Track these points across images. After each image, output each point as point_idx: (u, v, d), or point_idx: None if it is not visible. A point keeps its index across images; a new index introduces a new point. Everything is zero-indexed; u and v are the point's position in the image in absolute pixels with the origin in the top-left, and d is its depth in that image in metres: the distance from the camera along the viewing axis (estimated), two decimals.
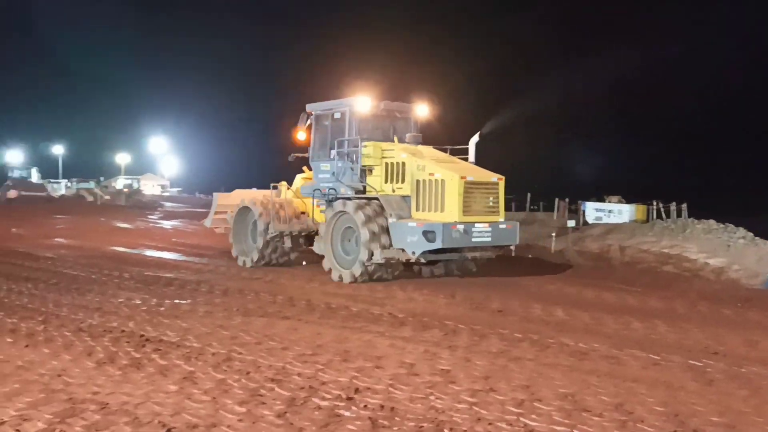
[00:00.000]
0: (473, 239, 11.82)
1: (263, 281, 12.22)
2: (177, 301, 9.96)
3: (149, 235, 23.77)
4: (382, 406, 5.25)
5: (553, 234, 23.59)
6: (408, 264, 12.59)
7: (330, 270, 12.67)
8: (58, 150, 67.59)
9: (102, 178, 60.99)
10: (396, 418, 5.00)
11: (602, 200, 35.79)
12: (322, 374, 6.14)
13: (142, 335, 7.59)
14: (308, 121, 14.05)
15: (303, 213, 14.26)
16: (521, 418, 5.06)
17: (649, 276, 14.24)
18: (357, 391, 5.65)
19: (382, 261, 11.89)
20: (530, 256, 20.28)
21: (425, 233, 11.51)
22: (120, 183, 56.05)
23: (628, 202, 35.04)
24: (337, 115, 13.56)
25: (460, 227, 11.57)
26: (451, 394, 5.63)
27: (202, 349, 7.02)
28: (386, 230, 12.01)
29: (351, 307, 9.68)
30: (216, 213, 15.80)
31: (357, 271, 12.03)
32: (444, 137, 14.09)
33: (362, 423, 4.89)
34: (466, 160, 13.27)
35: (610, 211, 32.99)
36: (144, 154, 70.38)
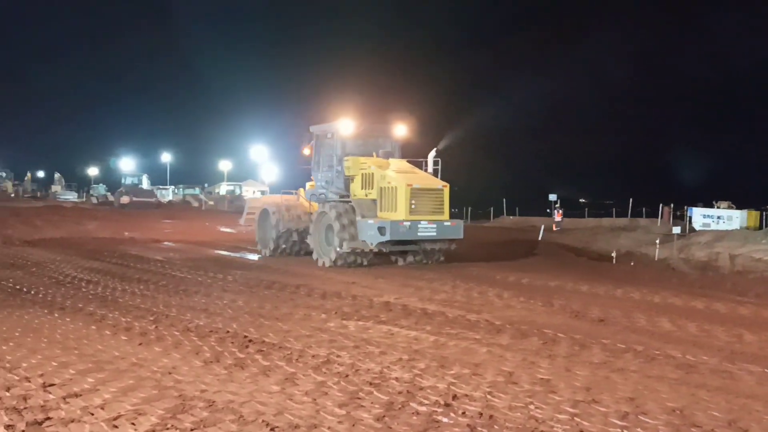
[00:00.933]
0: (419, 234, 14.94)
1: (360, 285, 12.38)
2: (277, 304, 10.25)
3: (251, 239, 24.55)
4: (480, 414, 5.21)
5: (657, 241, 22.69)
6: (384, 254, 15.58)
7: (317, 258, 15.99)
8: (166, 158, 71.07)
9: (206, 185, 63.63)
10: (495, 427, 4.94)
11: (710, 206, 34.10)
12: (419, 379, 6.15)
13: (246, 336, 7.85)
14: (312, 140, 17.55)
15: (307, 213, 17.31)
16: None
17: (764, 286, 13.42)
18: (455, 397, 5.63)
19: (349, 250, 15.01)
20: (632, 263, 19.60)
21: (379, 228, 14.67)
22: (223, 189, 58.21)
23: (738, 207, 33.19)
24: (329, 135, 16.83)
25: (406, 224, 14.66)
26: (552, 404, 5.51)
27: (302, 351, 7.19)
28: (353, 225, 15.14)
29: (447, 313, 9.66)
30: (248, 213, 19.50)
31: (333, 256, 15.24)
32: (426, 150, 17.08)
33: (460, 430, 4.87)
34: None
35: (719, 218, 31.35)
36: (245, 162, 72.87)
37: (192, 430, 4.78)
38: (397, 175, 15.27)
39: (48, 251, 17.94)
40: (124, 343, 7.47)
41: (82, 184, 71.85)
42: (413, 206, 14.88)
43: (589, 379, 6.30)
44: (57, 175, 69.55)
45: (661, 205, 33.21)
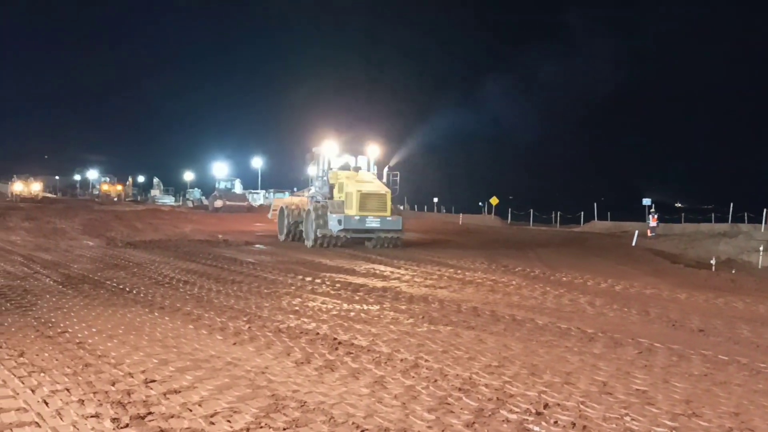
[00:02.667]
0: (367, 225, 21.12)
1: (448, 290, 12.34)
2: (366, 306, 10.35)
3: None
4: (573, 424, 5.08)
5: (761, 248, 21.50)
6: (357, 240, 21.84)
7: (306, 241, 22.54)
8: (257, 163, 73.18)
9: (295, 189, 65.05)
10: None
11: None
12: (509, 387, 6.06)
13: (335, 338, 7.97)
14: (313, 157, 24.10)
15: (306, 210, 23.23)
16: None
17: None
18: (546, 406, 5.51)
19: (320, 235, 21.40)
20: (733, 271, 18.66)
21: (338, 220, 21.10)
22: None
23: None
24: (318, 153, 23.58)
25: (356, 218, 20.91)
26: (649, 416, 5.30)
27: (390, 354, 7.22)
28: (324, 218, 21.53)
29: (536, 320, 9.48)
30: (273, 210, 27.74)
31: (312, 238, 21.79)
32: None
33: None
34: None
35: None
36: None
37: (285, 429, 4.89)
38: (354, 183, 21.50)
39: (148, 253, 18.80)
40: (219, 343, 7.72)
41: (178, 189, 74.91)
42: (363, 205, 20.99)
43: (688, 391, 6.03)
44: (156, 180, 72.81)
45: (765, 209, 31.42)
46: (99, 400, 5.47)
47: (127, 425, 4.92)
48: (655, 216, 30.82)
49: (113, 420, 5.01)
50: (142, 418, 5.08)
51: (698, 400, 5.77)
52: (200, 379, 6.15)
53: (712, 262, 20.24)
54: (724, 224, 34.10)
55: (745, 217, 36.36)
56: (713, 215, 39.37)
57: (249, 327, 8.60)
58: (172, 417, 5.10)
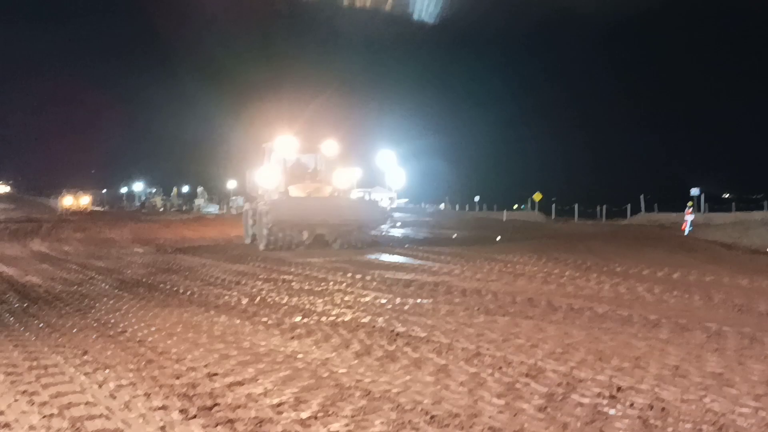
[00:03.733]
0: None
1: (500, 283, 12.15)
2: (419, 300, 10.24)
3: (384, 241, 24.87)
4: (651, 406, 4.89)
5: None
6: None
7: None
8: None
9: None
10: (669, 419, 4.62)
11: None
12: (577, 372, 5.89)
13: (393, 330, 7.88)
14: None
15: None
16: None
17: None
18: (619, 389, 5.33)
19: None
20: None
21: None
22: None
23: None
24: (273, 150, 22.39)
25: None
26: (729, 397, 5.09)
27: (450, 344, 7.10)
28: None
29: (595, 308, 9.23)
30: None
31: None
32: None
33: (631, 422, 4.59)
34: None
35: None
36: (373, 168, 74.06)
37: (353, 416, 4.81)
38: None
39: (197, 257, 19.00)
40: (276, 338, 7.71)
41: (222, 197, 75.81)
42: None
43: (767, 373, 5.77)
44: (200, 189, 73.81)
45: None
46: (165, 394, 5.48)
47: (195, 416, 4.91)
48: (690, 209, 29.11)
49: (181, 411, 5.01)
50: (209, 409, 5.06)
51: None
52: (262, 371, 6.12)
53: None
54: (760, 212, 33.02)
55: None
56: (766, 203, 38.20)
57: (306, 321, 8.58)
58: (238, 407, 5.08)
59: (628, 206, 42.13)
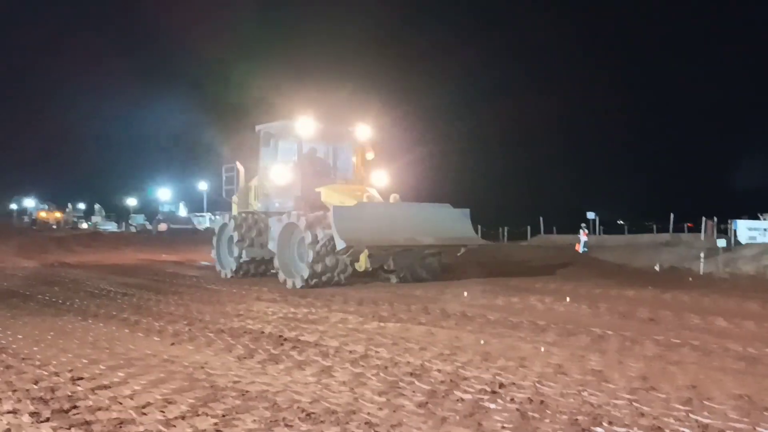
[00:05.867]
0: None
1: (397, 293, 12.07)
2: (313, 309, 9.99)
3: None
4: (530, 400, 4.85)
5: (702, 255, 21.94)
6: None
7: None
8: (202, 186, 71.87)
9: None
10: (547, 411, 4.58)
11: (756, 218, 32.99)
12: (462, 371, 5.81)
13: (281, 336, 7.61)
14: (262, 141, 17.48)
15: None
16: (691, 415, 4.49)
17: None
18: (501, 386, 5.28)
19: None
20: (690, 279, 18.92)
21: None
22: None
23: None
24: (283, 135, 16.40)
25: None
26: (607, 391, 5.12)
27: (338, 348, 6.90)
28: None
29: (488, 315, 9.28)
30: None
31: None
32: None
33: (510, 415, 4.52)
34: None
35: (765, 230, 30.28)
36: None
37: (224, 416, 4.51)
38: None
39: (85, 271, 18.03)
40: (156, 344, 7.27)
41: (121, 215, 72.91)
42: None
43: (644, 370, 5.88)
44: (97, 206, 70.70)
45: (704, 218, 32.29)
46: (18, 398, 4.99)
47: (48, 419, 4.47)
48: (585, 231, 30.51)
49: (32, 414, 4.55)
50: (66, 411, 4.63)
51: (654, 377, 5.62)
52: (133, 375, 5.71)
53: (656, 268, 20.52)
54: (666, 234, 34.87)
55: (685, 228, 37.28)
56: (655, 227, 40.29)
57: (189, 329, 8.16)
58: (99, 410, 4.66)
59: (528, 228, 43.43)
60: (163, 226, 48.64)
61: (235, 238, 15.52)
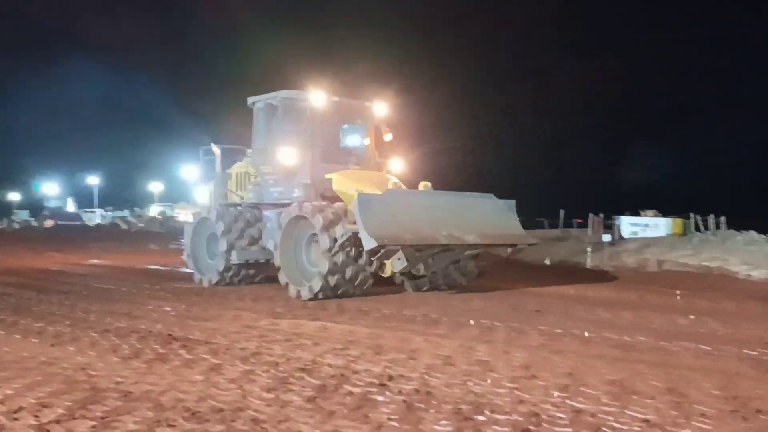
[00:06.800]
0: None
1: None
2: (206, 307, 9.77)
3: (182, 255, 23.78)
4: (417, 391, 4.95)
5: (588, 249, 23.06)
6: None
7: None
8: (93, 180, 68.75)
9: (137, 208, 61.76)
10: (432, 402, 4.69)
11: (637, 214, 35.03)
12: (354, 365, 5.86)
13: (170, 334, 7.39)
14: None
15: None
16: (567, 401, 4.72)
17: (693, 280, 13.72)
18: (390, 378, 5.36)
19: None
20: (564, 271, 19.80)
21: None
22: (153, 210, 56.61)
23: (664, 215, 34.23)
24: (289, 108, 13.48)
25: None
26: (491, 380, 5.31)
27: (229, 345, 6.79)
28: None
29: (382, 310, 9.40)
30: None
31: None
32: None
33: (396, 406, 4.59)
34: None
35: (646, 225, 32.21)
36: (177, 183, 71.16)
37: (103, 418, 4.34)
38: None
39: None
40: (34, 346, 6.89)
41: (2, 211, 68.63)
42: None
43: (527, 359, 6.13)
44: None
45: (590, 215, 33.90)
46: None
47: None
48: None
49: None
50: None
51: (536, 365, 5.87)
52: (6, 379, 5.38)
53: (547, 262, 21.38)
54: (557, 230, 36.34)
55: (574, 223, 39.01)
56: (546, 222, 41.91)
57: (71, 330, 7.78)
58: None
59: None
60: (49, 222, 46.19)
61: (221, 237, 12.52)
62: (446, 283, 11.87)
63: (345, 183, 11.58)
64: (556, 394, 4.92)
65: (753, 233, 20.48)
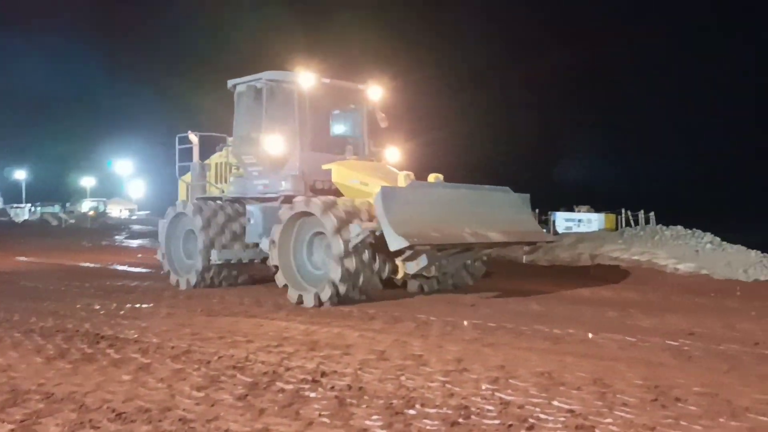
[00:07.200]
0: None
1: (235, 288, 11.84)
2: (138, 305, 9.56)
3: (115, 252, 23.23)
4: (349, 387, 4.96)
5: (525, 247, 23.48)
6: None
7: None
8: (20, 175, 66.24)
9: (68, 204, 59.77)
10: (365, 397, 4.70)
11: (572, 210, 35.97)
12: (287, 362, 5.82)
13: (98, 334, 7.19)
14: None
15: None
16: (496, 393, 4.80)
17: (622, 273, 14.17)
18: (324, 374, 5.35)
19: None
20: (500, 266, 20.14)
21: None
22: (85, 206, 54.93)
23: (596, 211, 35.24)
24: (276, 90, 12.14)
25: None
26: (423, 374, 5.35)
27: (160, 344, 6.65)
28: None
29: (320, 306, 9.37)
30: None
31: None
32: None
33: (328, 402, 4.59)
34: None
35: (579, 221, 33.12)
36: (110, 177, 69.24)
37: (23, 421, 4.20)
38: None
39: None
40: None
41: None
42: None
43: (460, 352, 6.21)
44: None
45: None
46: None
47: None
48: None
49: None
50: None
51: (469, 358, 5.95)
52: None
53: (484, 258, 21.69)
54: None
55: None
56: None
57: None
58: None
59: None
60: None
61: (201, 234, 11.44)
62: (454, 284, 11.19)
63: (346, 174, 10.50)
64: (486, 386, 4.99)
65: (680, 228, 21.20)
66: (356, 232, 9.06)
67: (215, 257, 11.30)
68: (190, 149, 12.61)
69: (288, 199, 10.48)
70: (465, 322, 7.89)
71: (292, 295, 9.74)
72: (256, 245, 11.05)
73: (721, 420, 4.24)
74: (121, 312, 8.90)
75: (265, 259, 10.97)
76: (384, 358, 5.98)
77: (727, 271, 14.79)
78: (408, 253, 8.83)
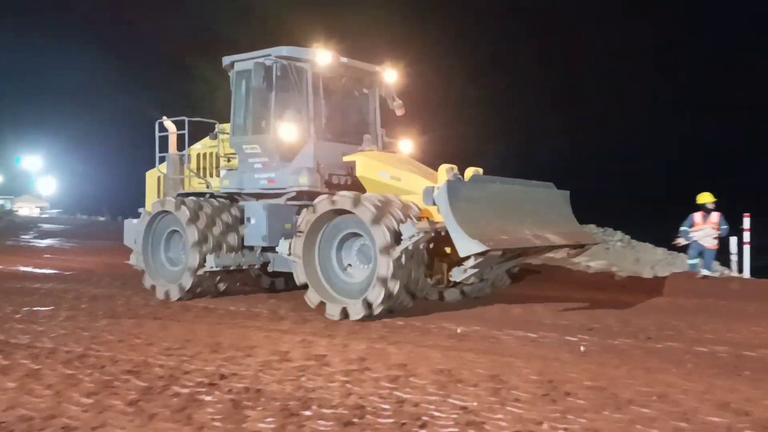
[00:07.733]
0: None
1: (137, 289, 11.49)
2: (37, 308, 9.14)
3: (20, 252, 22.12)
4: (247, 389, 4.90)
5: None
6: None
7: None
8: None
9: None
10: (261, 399, 4.66)
11: None
12: (186, 365, 5.70)
13: None
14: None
15: None
16: (394, 392, 4.85)
17: (532, 271, 14.55)
18: (222, 377, 5.26)
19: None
20: None
21: None
22: None
23: None
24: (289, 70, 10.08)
25: None
26: (324, 375, 5.35)
27: (54, 348, 6.39)
28: None
29: (230, 306, 9.23)
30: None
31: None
32: None
33: (223, 406, 4.52)
34: None
35: None
36: (18, 175, 66.02)
37: None
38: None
39: None
40: None
41: None
42: None
43: (364, 352, 6.24)
44: None
45: None
46: None
47: None
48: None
49: None
50: None
51: (371, 357, 5.99)
52: None
53: None
54: None
55: None
56: None
57: None
58: None
59: None
60: None
61: (191, 236, 9.68)
62: (492, 291, 10.16)
63: (375, 167, 9.19)
64: (385, 385, 5.04)
65: (592, 226, 22.01)
66: (410, 233, 7.86)
67: (211, 263, 9.68)
68: (166, 138, 11.06)
69: (300, 196, 9.46)
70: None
71: (333, 311, 8.28)
72: (262, 248, 9.79)
73: (606, 413, 4.42)
74: (17, 315, 8.50)
75: (264, 265, 10.06)
76: (287, 359, 5.94)
77: (635, 268, 15.49)
78: (481, 260, 7.57)
